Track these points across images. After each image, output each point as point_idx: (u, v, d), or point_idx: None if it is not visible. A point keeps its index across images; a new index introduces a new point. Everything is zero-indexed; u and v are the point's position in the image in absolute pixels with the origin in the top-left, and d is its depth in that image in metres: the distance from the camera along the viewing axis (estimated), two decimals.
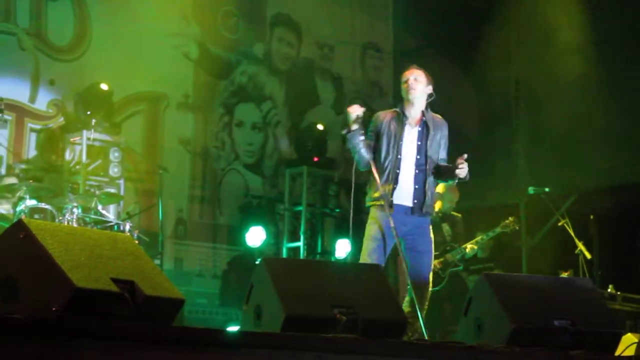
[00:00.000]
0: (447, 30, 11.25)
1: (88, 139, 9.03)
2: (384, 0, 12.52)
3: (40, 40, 9.49)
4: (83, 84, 9.42)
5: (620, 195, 9.65)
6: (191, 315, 9.85)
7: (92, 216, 8.11)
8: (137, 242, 6.94)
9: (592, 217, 8.58)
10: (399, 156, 5.81)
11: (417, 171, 5.83)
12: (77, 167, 9.09)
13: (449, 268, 8.35)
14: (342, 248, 10.49)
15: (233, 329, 7.42)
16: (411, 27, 11.98)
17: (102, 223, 8.17)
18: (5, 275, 3.49)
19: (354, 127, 5.87)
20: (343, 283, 4.42)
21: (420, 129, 5.89)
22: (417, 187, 5.81)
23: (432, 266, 5.94)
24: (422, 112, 5.92)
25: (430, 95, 5.94)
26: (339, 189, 11.02)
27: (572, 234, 8.40)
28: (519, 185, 9.86)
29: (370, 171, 5.89)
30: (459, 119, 8.88)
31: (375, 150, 5.90)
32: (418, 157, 5.84)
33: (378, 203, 5.79)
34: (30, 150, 9.34)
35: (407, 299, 5.81)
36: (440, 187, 7.54)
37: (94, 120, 9.03)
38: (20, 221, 3.64)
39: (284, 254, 10.49)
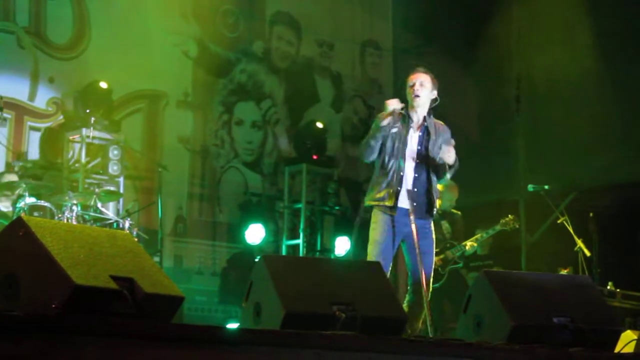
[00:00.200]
0: (447, 28, 11.24)
1: (87, 137, 9.03)
2: None
3: (39, 38, 9.49)
4: (82, 82, 9.42)
5: (619, 192, 9.65)
6: (190, 313, 9.85)
7: (92, 214, 8.11)
8: (136, 239, 6.96)
9: (591, 214, 8.58)
10: (403, 158, 5.82)
11: (416, 175, 5.83)
12: (77, 165, 9.09)
13: (448, 265, 8.36)
14: (342, 245, 10.51)
15: (232, 326, 7.44)
16: (411, 24, 11.98)
17: (101, 221, 8.18)
18: (5, 273, 3.49)
19: (388, 119, 5.80)
20: (342, 280, 4.42)
21: (421, 133, 5.89)
22: (416, 189, 5.81)
23: (434, 267, 5.96)
24: (425, 117, 5.91)
25: (434, 100, 5.93)
26: (338, 187, 11.02)
27: (572, 231, 8.40)
28: (518, 182, 9.85)
29: (373, 170, 5.90)
30: (459, 117, 8.89)
31: (379, 150, 5.89)
32: (418, 161, 5.85)
33: (382, 204, 5.79)
34: (30, 148, 9.34)
35: (407, 299, 5.82)
36: (439, 187, 7.54)
37: (93, 119, 9.03)
38: (19, 219, 3.64)
39: (284, 252, 10.49)
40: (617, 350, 4.72)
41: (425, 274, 5.63)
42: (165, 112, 10.39)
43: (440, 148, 5.87)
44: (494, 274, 4.82)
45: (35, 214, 7.61)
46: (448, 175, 5.97)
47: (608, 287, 7.98)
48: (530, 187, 8.90)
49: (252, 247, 10.29)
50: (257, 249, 10.29)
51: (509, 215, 8.60)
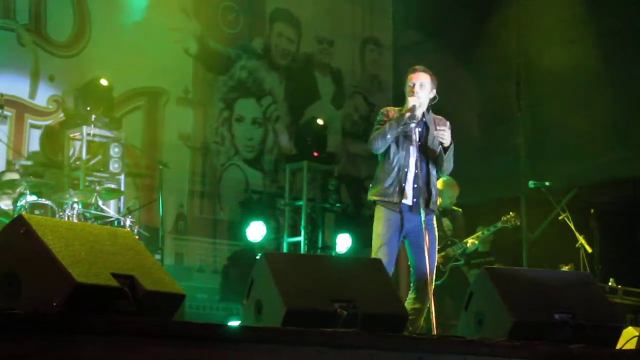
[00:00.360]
0: (448, 26, 11.24)
1: (88, 134, 9.04)
2: None
3: (39, 36, 9.49)
4: (83, 79, 9.42)
5: (621, 189, 9.65)
6: (192, 311, 9.85)
7: (93, 212, 8.11)
8: (137, 237, 6.97)
9: (593, 211, 8.57)
10: (407, 155, 5.83)
11: (417, 170, 5.85)
12: (78, 163, 9.10)
13: (450, 263, 8.35)
14: (343, 243, 10.51)
15: (234, 324, 7.43)
16: (411, 22, 11.97)
17: (102, 219, 8.18)
18: (6, 271, 3.49)
19: (408, 115, 5.80)
20: (344, 278, 4.42)
21: (420, 129, 5.91)
22: (417, 186, 5.83)
23: (437, 263, 5.98)
24: (424, 113, 5.94)
25: (433, 99, 5.94)
26: (339, 184, 11.02)
27: (573, 228, 8.39)
28: (519, 179, 9.85)
29: (377, 166, 5.93)
30: (460, 114, 8.89)
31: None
32: (420, 156, 5.87)
33: (387, 199, 5.80)
34: (31, 147, 9.34)
35: (410, 295, 5.83)
36: (440, 184, 7.53)
37: (94, 116, 9.03)
38: (20, 217, 3.64)
39: (285, 249, 10.49)
40: (618, 347, 4.72)
41: (427, 269, 5.64)
42: (165, 109, 10.39)
43: (440, 143, 5.88)
44: (495, 271, 4.81)
45: (37, 212, 7.60)
46: (447, 165, 5.95)
47: (610, 284, 7.97)
48: (531, 184, 8.90)
49: (254, 244, 10.30)
50: (258, 246, 10.29)
51: (510, 213, 8.59)
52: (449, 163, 5.93)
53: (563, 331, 4.46)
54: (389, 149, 5.87)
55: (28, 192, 7.72)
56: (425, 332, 5.86)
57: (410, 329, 5.44)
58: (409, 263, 5.91)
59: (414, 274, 5.85)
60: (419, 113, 5.89)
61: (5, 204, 7.98)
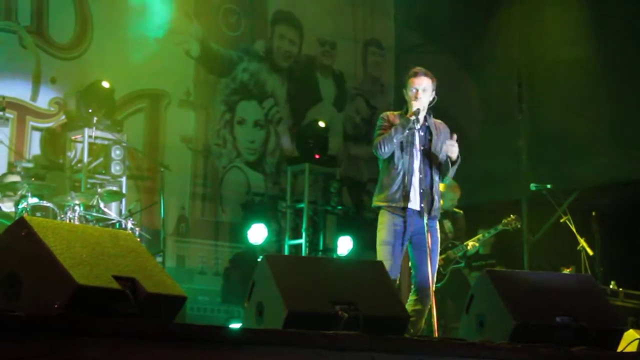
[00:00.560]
0: (449, 27, 11.24)
1: (90, 136, 9.04)
2: None
3: (41, 38, 9.49)
4: (84, 81, 9.42)
5: (622, 191, 9.65)
6: (193, 313, 9.85)
7: (94, 214, 8.11)
8: (138, 239, 6.97)
9: (594, 213, 8.57)
10: (411, 159, 5.84)
11: (421, 175, 5.85)
12: (79, 165, 9.10)
13: (450, 265, 8.35)
14: (344, 245, 10.50)
15: (235, 326, 7.44)
16: (413, 24, 11.97)
17: (104, 221, 8.18)
18: (7, 273, 3.49)
19: (413, 118, 5.81)
20: (345, 280, 4.42)
21: (423, 133, 5.91)
22: (422, 190, 5.83)
23: (437, 266, 5.98)
24: (425, 116, 5.94)
25: (432, 100, 5.95)
26: (340, 186, 11.02)
27: (574, 230, 8.40)
28: (520, 182, 9.85)
29: (380, 171, 5.95)
30: (461, 116, 8.89)
31: None
32: (423, 160, 5.87)
33: (393, 205, 5.81)
34: (32, 149, 9.34)
35: (411, 297, 5.84)
36: (441, 186, 7.53)
37: (95, 118, 9.03)
38: (22, 219, 3.64)
39: (286, 251, 10.49)
40: (619, 349, 4.72)
41: (429, 272, 5.65)
42: (167, 111, 10.39)
43: (441, 147, 5.89)
44: (496, 274, 4.81)
45: (38, 214, 7.61)
46: (450, 174, 5.99)
47: (611, 286, 7.98)
48: (532, 187, 8.90)
49: (255, 246, 10.29)
50: (259, 248, 10.29)
51: (511, 215, 8.59)
52: (452, 173, 5.96)
53: (564, 333, 4.46)
54: (392, 153, 5.88)
55: (29, 194, 7.73)
56: (426, 334, 5.86)
57: (411, 330, 5.44)
58: (410, 264, 5.91)
59: (415, 276, 5.86)
60: (421, 117, 5.89)
61: (7, 206, 7.98)
